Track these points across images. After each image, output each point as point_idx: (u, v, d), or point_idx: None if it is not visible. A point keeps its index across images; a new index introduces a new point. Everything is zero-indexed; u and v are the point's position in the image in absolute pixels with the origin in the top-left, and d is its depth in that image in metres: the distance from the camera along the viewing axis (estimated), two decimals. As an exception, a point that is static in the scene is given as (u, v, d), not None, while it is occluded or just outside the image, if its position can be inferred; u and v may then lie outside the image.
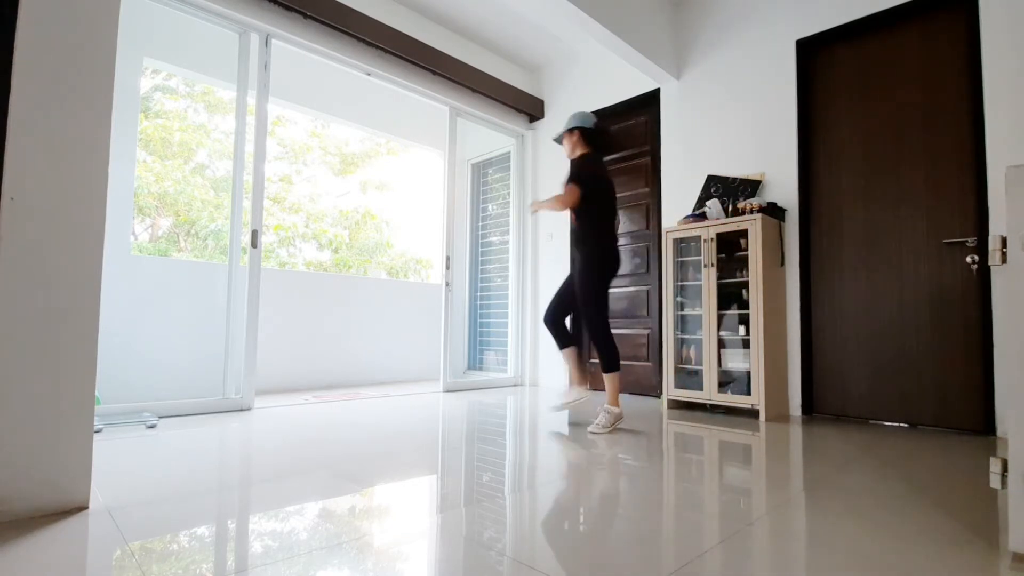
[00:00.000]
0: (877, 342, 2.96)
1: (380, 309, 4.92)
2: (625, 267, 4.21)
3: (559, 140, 2.95)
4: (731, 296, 3.17)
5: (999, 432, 2.54)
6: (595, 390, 4.33)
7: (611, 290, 4.29)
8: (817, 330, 3.18)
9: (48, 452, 1.35)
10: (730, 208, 3.26)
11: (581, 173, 2.75)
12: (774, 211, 3.19)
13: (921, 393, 2.80)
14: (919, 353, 2.82)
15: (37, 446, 1.34)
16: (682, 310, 3.40)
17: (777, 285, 3.14)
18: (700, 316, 3.27)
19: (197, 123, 5.84)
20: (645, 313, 4.07)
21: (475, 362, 5.48)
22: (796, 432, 2.63)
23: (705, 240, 3.21)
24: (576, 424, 2.79)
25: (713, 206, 3.26)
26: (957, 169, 2.76)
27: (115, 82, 1.50)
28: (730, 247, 3.21)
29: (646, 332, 4.06)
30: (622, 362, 4.18)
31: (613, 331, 4.24)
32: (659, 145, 4.01)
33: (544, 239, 4.77)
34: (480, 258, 5.54)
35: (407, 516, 1.40)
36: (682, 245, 3.41)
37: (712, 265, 3.17)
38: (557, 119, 4.74)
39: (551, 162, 4.75)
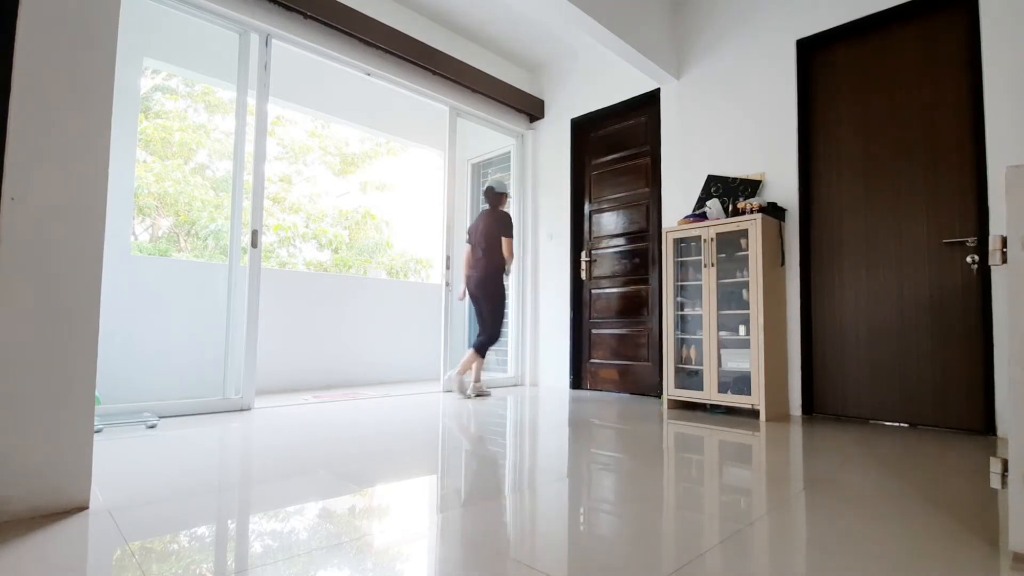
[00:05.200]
0: (877, 342, 2.96)
1: (380, 309, 4.92)
2: (625, 267, 4.22)
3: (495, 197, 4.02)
4: (731, 296, 3.17)
5: (999, 432, 2.54)
6: (595, 390, 4.33)
7: (611, 290, 4.30)
8: (817, 330, 3.18)
9: (48, 452, 1.35)
10: (730, 208, 3.26)
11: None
12: (774, 211, 3.19)
13: (921, 393, 2.80)
14: (919, 353, 2.82)
15: (37, 446, 1.34)
16: (682, 310, 3.40)
17: (777, 285, 3.14)
18: (700, 316, 3.27)
19: (197, 123, 5.85)
20: (645, 313, 4.07)
21: (475, 362, 5.47)
22: (796, 432, 2.63)
23: (705, 240, 3.21)
24: (579, 423, 2.79)
25: (713, 206, 3.26)
26: (957, 169, 2.76)
27: (115, 82, 1.50)
28: (730, 247, 3.21)
29: (646, 332, 4.06)
30: (623, 362, 4.19)
31: (614, 331, 4.26)
32: (659, 145, 4.01)
33: (544, 239, 4.77)
34: (480, 258, 5.52)
35: (407, 516, 1.40)
36: (682, 245, 3.41)
37: (712, 265, 3.17)
38: (557, 119, 4.74)
39: (551, 162, 4.75)
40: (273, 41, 3.30)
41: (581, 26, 3.22)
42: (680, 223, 3.38)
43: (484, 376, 4.92)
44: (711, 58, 3.69)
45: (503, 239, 3.89)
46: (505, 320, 3.97)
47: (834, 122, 3.19)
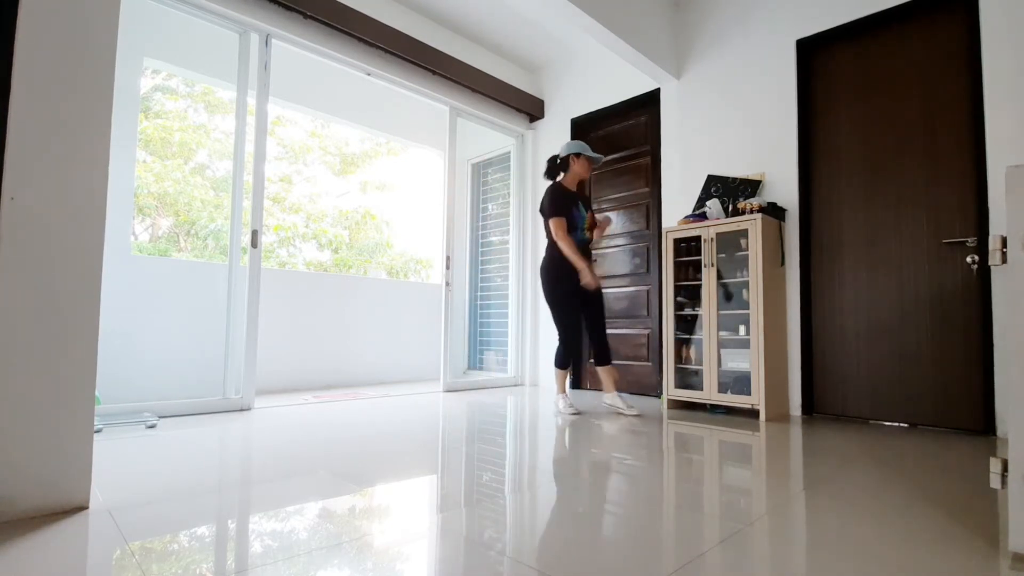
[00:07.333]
0: (877, 342, 2.96)
1: (380, 309, 4.92)
2: (625, 267, 4.22)
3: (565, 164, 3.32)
4: (731, 296, 3.17)
5: (999, 432, 2.54)
6: (596, 389, 4.33)
7: (611, 290, 4.29)
8: (817, 330, 3.18)
9: (48, 452, 1.35)
10: (730, 208, 3.26)
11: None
12: (774, 211, 3.19)
13: (921, 393, 2.80)
14: (919, 353, 2.82)
15: (37, 446, 1.34)
16: (682, 310, 3.40)
17: (777, 285, 3.14)
18: (700, 316, 3.27)
19: (197, 123, 5.84)
20: (645, 313, 4.07)
21: (475, 362, 5.48)
22: (796, 432, 2.63)
23: (705, 240, 3.21)
24: (579, 423, 2.79)
25: (713, 206, 3.26)
26: (957, 169, 2.76)
27: (115, 82, 1.50)
28: (730, 247, 3.21)
29: (646, 332, 4.05)
30: (623, 362, 4.19)
31: (614, 331, 4.26)
32: (659, 145, 4.01)
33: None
34: (480, 258, 5.53)
35: (407, 516, 1.40)
36: (682, 245, 3.41)
37: (712, 265, 3.17)
38: (557, 119, 4.74)
39: (551, 162, 4.74)
40: (273, 41, 3.30)
41: (581, 26, 3.22)
42: (680, 223, 3.37)
43: (484, 376, 4.91)
44: (711, 58, 3.69)
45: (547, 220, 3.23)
46: (566, 319, 3.19)
47: (834, 122, 3.19)
